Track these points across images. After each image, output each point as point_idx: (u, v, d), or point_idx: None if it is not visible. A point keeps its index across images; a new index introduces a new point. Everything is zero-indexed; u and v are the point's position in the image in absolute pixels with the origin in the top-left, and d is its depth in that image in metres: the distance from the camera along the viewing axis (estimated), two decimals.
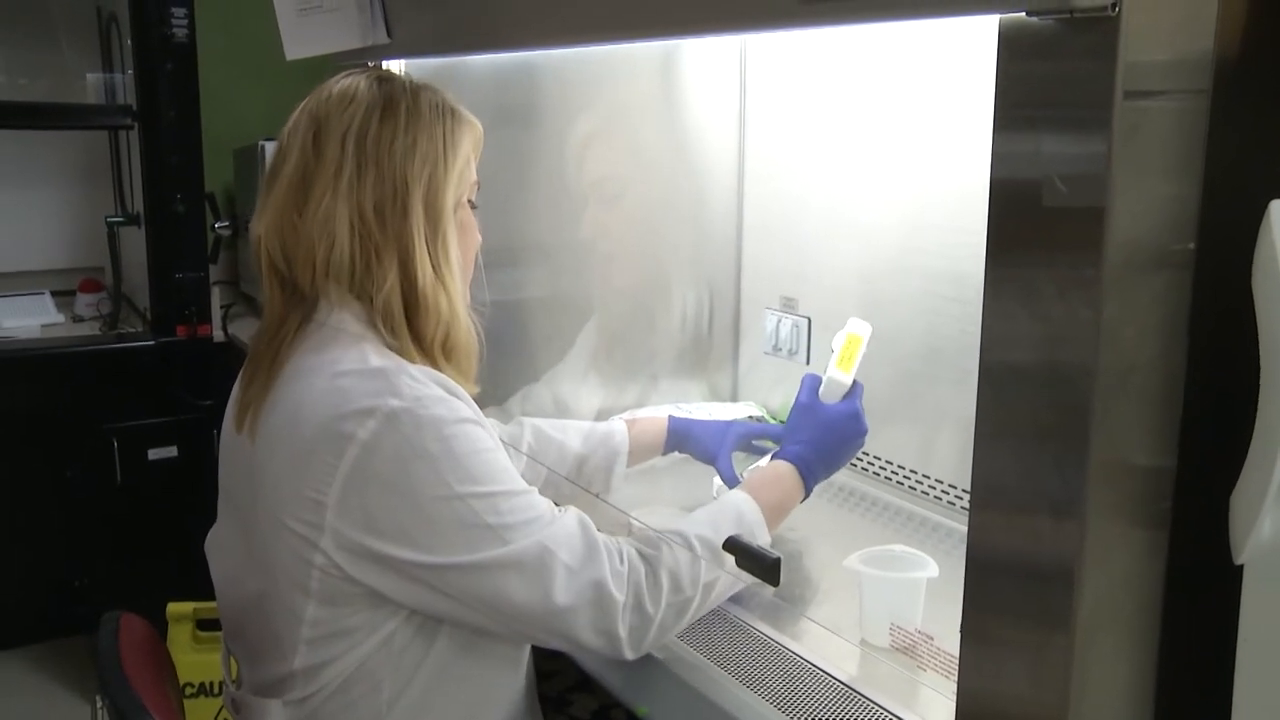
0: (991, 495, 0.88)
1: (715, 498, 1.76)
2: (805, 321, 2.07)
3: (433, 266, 1.23)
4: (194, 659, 2.27)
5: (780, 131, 2.09)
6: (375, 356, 1.20)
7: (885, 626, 1.38)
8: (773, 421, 2.15)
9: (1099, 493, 0.81)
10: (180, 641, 2.30)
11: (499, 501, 1.17)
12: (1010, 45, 0.80)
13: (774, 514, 1.35)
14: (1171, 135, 0.76)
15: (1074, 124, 0.76)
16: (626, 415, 2.06)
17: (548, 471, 1.63)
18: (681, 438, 1.70)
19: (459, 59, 1.97)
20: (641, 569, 1.22)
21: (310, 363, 1.21)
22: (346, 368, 1.19)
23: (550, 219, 2.06)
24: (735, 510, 1.31)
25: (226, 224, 3.38)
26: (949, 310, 1.78)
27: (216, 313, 3.30)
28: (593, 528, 1.23)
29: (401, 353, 1.22)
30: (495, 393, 2.00)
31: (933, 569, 1.36)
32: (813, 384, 1.50)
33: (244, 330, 3.31)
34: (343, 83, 1.28)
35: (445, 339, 1.25)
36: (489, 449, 1.19)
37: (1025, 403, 0.83)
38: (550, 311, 2.10)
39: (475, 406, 1.23)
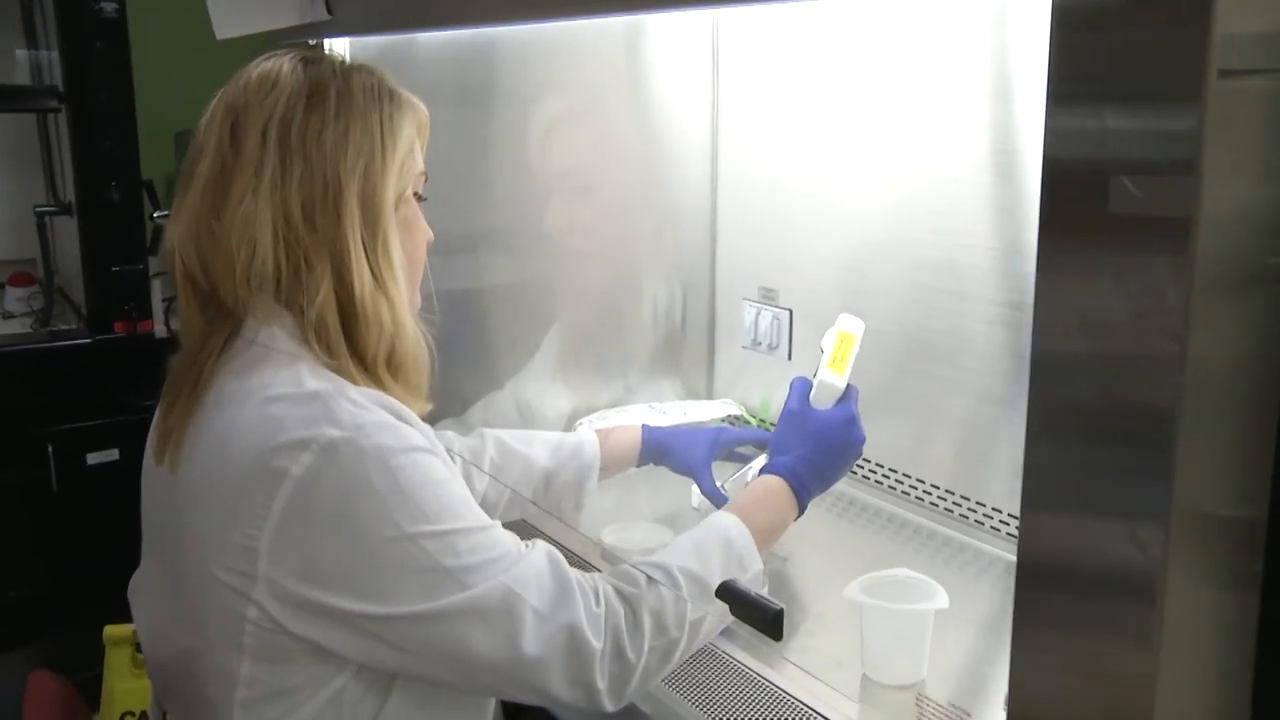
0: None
1: (696, 509, 1.63)
2: (786, 314, 1.93)
3: (372, 272, 1.08)
4: (133, 685, 2.12)
5: (756, 113, 1.95)
6: (311, 378, 1.05)
7: (891, 662, 1.26)
8: (753, 421, 2.01)
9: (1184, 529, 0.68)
10: (118, 668, 2.14)
11: (456, 540, 1.02)
12: (1067, 10, 0.65)
13: (765, 536, 1.22)
14: (1272, 123, 0.63)
15: (1151, 109, 0.62)
16: (595, 419, 1.92)
17: (512, 491, 1.49)
18: (658, 450, 1.56)
19: (409, 37, 1.81)
20: (621, 610, 1.08)
21: (237, 387, 1.07)
22: (278, 392, 1.04)
23: (511, 208, 1.91)
24: (722, 536, 1.18)
25: (166, 213, 3.19)
26: (941, 303, 1.65)
27: (159, 307, 3.12)
28: (564, 565, 1.08)
29: (341, 372, 1.08)
30: (452, 403, 1.86)
31: (941, 599, 1.23)
32: (802, 388, 1.36)
33: None
34: (263, 66, 1.12)
35: (390, 354, 1.11)
36: (443, 480, 1.04)
37: (1080, 454, 0.70)
38: (512, 308, 1.95)
39: (428, 431, 1.08)
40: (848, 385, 1.32)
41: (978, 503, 1.64)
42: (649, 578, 1.11)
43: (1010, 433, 1.56)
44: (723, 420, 2.01)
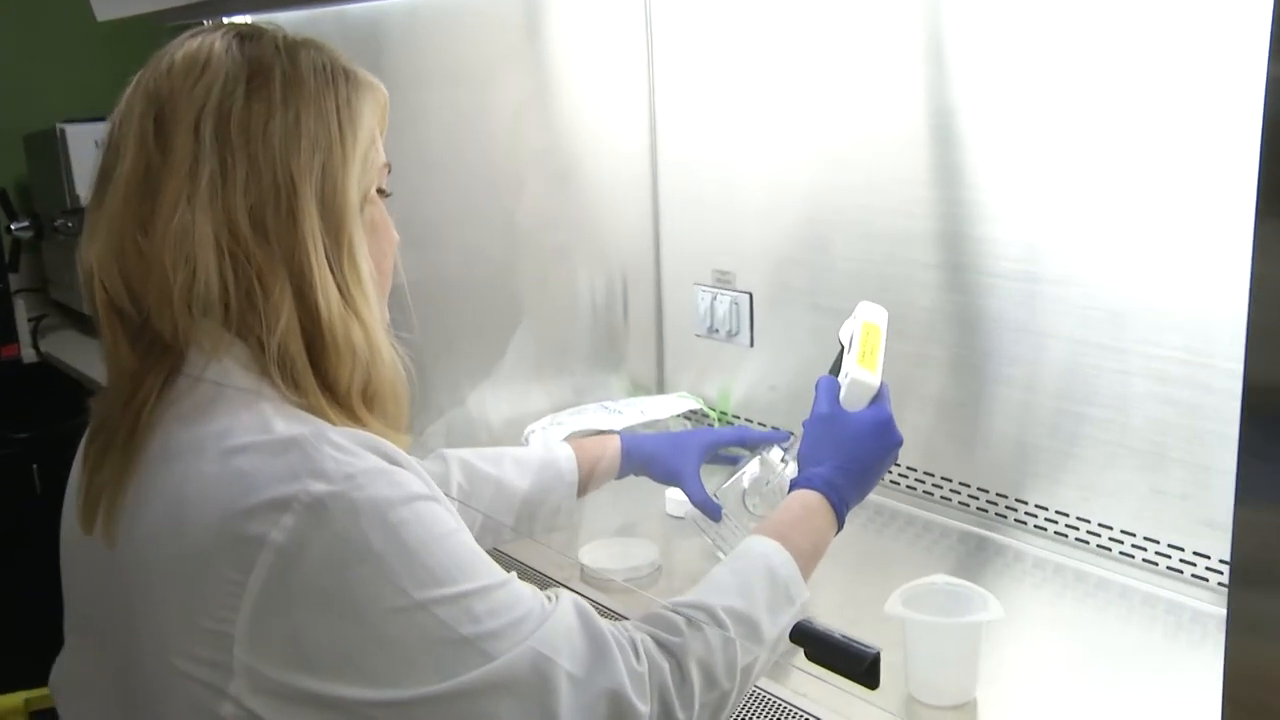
0: None
1: (684, 519, 1.48)
2: (746, 298, 1.79)
3: (339, 289, 0.90)
4: None
5: (695, 86, 1.80)
6: (280, 421, 0.87)
7: (940, 681, 1.13)
8: (712, 415, 1.87)
9: None
10: None
11: (474, 603, 0.85)
12: None
13: (808, 561, 1.08)
14: None
15: None
16: (547, 424, 1.76)
17: (484, 516, 1.32)
18: (640, 459, 1.40)
19: (324, 10, 1.60)
20: (665, 665, 0.93)
21: (188, 436, 0.87)
22: (243, 441, 0.85)
23: (423, 197, 1.72)
24: (764, 566, 1.03)
25: (25, 224, 2.90)
26: (925, 278, 1.53)
27: (24, 328, 2.84)
28: (595, 617, 0.92)
29: (313, 410, 0.89)
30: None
31: (994, 609, 1.11)
32: (831, 389, 1.21)
33: (62, 347, 2.84)
34: (189, 46, 0.92)
35: (366, 384, 0.93)
36: (450, 532, 0.87)
37: None
38: (439, 310, 1.76)
39: (423, 472, 0.91)
40: (881, 382, 1.19)
41: (998, 495, 1.53)
42: (689, 621, 0.96)
43: (1032, 417, 1.45)
44: (682, 416, 1.87)
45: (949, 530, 1.54)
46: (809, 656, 0.85)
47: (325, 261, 0.90)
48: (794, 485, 1.14)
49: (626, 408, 1.82)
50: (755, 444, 1.42)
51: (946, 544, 1.52)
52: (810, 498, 1.12)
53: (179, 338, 0.90)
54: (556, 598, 0.92)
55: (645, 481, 1.42)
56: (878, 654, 0.81)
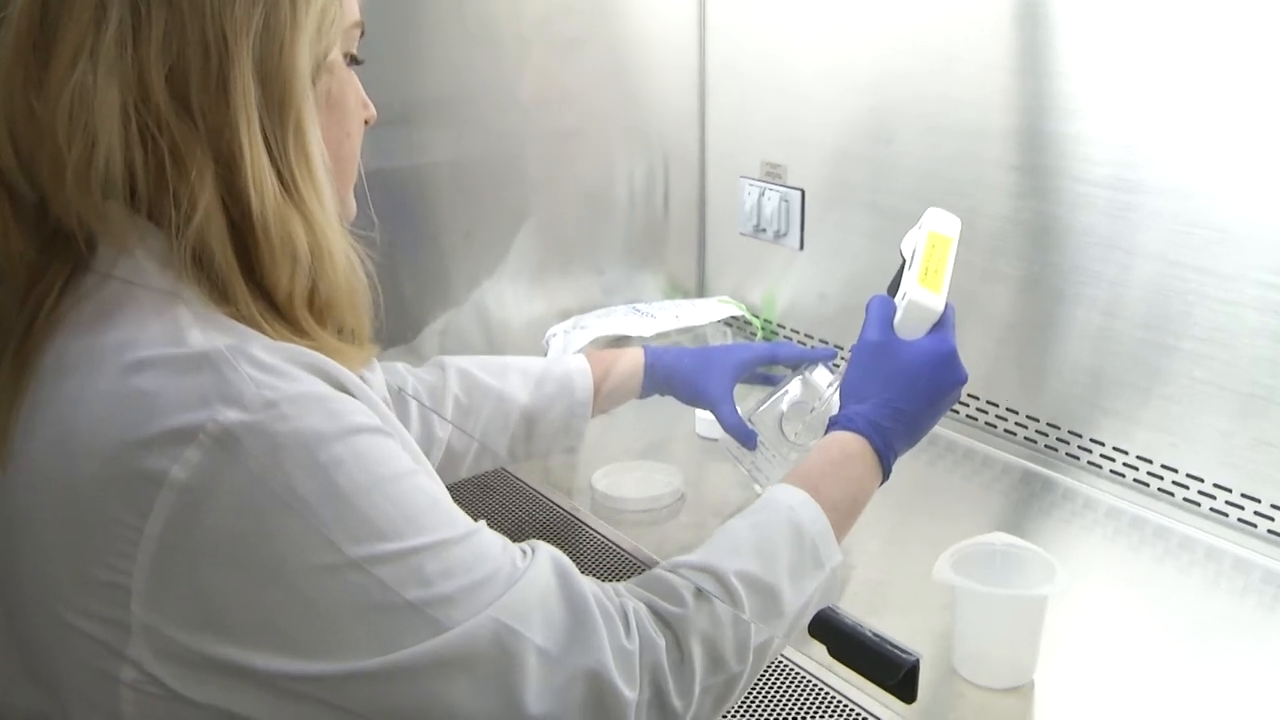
0: None
1: (713, 440, 1.32)
2: (797, 195, 1.60)
3: (279, 176, 0.74)
4: None
5: None
6: (197, 330, 0.71)
7: (993, 660, 0.97)
8: (756, 323, 1.70)
9: None
10: None
11: (424, 561, 0.70)
12: None
13: (844, 517, 0.91)
14: None
15: None
16: (569, 328, 1.60)
17: (479, 440, 1.17)
18: (665, 376, 1.24)
19: None
20: (661, 641, 0.77)
21: (84, 347, 0.72)
22: (147, 354, 0.70)
23: (452, 70, 1.53)
24: (789, 522, 0.86)
25: None
26: (1001, 181, 1.33)
27: None
28: (578, 580, 0.77)
29: (245, 320, 0.74)
30: (395, 324, 1.51)
31: (1061, 580, 0.94)
32: (883, 312, 1.02)
33: None
34: None
35: (314, 290, 0.77)
36: (400, 474, 0.72)
37: None
38: (460, 195, 1.59)
39: (374, 396, 0.75)
40: (946, 305, 1.00)
41: (1069, 433, 1.35)
42: (697, 589, 0.80)
43: (1114, 347, 1.26)
44: (722, 323, 1.70)
45: (1010, 468, 1.37)
46: (832, 654, 0.69)
47: (263, 142, 0.73)
48: (833, 424, 0.97)
49: (660, 311, 1.65)
50: (797, 362, 1.25)
51: (1006, 484, 1.35)
52: (850, 441, 0.95)
53: (81, 225, 0.74)
54: (532, 552, 0.77)
55: (674, 399, 1.26)
56: (916, 662, 0.64)
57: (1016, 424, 1.38)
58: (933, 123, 1.38)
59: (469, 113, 1.55)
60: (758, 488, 1.22)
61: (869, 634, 0.67)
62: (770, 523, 0.86)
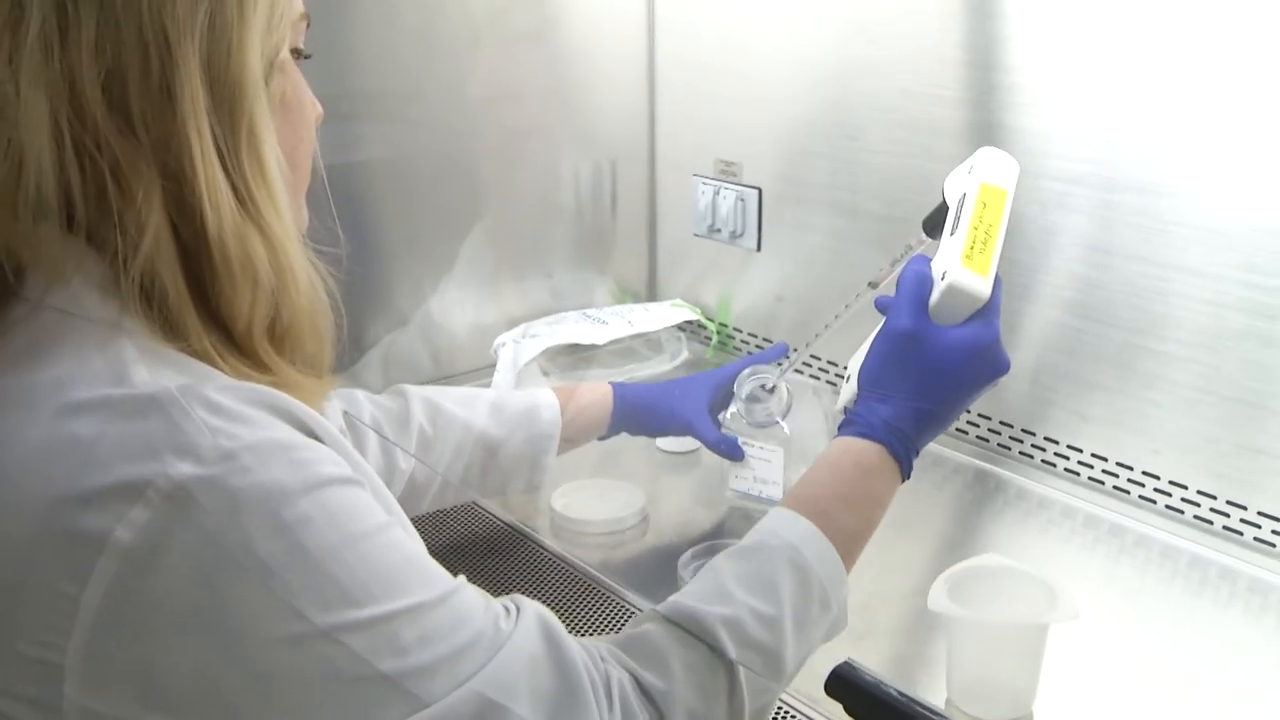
0: None
1: (673, 452, 1.27)
2: (754, 193, 1.54)
3: (235, 191, 0.66)
4: None
5: None
6: (143, 368, 0.63)
7: (989, 691, 0.92)
8: (711, 327, 1.64)
9: None
10: None
11: (400, 628, 0.63)
12: None
13: (855, 545, 0.83)
14: None
15: None
16: (518, 335, 1.52)
17: (443, 475, 1.09)
18: (632, 410, 1.18)
19: None
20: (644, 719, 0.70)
21: (15, 385, 0.64)
22: (86, 394, 0.62)
23: (388, 63, 1.45)
24: (793, 564, 0.77)
25: None
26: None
27: None
28: (566, 643, 0.69)
29: (198, 355, 0.66)
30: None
31: (1066, 606, 0.88)
32: (919, 293, 0.85)
33: None
34: None
35: (274, 318, 0.69)
36: (373, 530, 0.64)
37: None
38: (398, 196, 1.50)
39: (344, 441, 0.68)
40: (996, 280, 0.83)
41: (1045, 438, 1.31)
42: (684, 655, 0.73)
43: (1091, 352, 1.22)
44: (677, 328, 1.64)
45: (984, 475, 1.32)
46: (850, 712, 0.63)
47: (215, 153, 0.65)
48: (849, 424, 0.86)
49: (612, 317, 1.58)
50: (777, 359, 1.19)
51: (980, 491, 1.30)
52: (867, 453, 0.84)
53: (7, 253, 0.66)
54: (517, 612, 0.69)
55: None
56: None
57: (990, 430, 1.34)
58: (899, 118, 1.33)
59: (407, 110, 1.47)
60: (758, 496, 1.19)
61: (894, 693, 0.61)
62: (771, 565, 0.78)
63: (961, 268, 0.82)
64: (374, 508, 0.65)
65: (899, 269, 0.95)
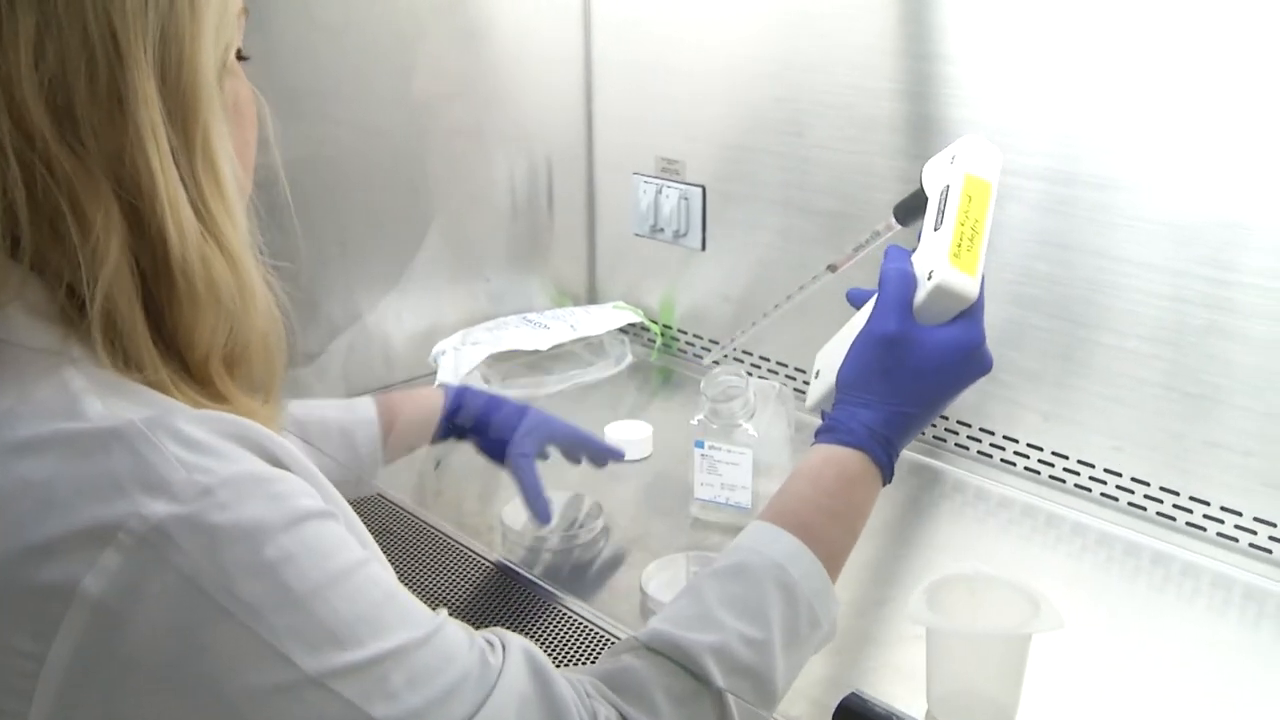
0: None
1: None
2: (698, 191, 1.50)
3: (193, 205, 0.60)
4: None
5: None
6: (96, 399, 0.58)
7: (966, 703, 0.90)
8: (654, 327, 1.60)
9: None
10: None
11: (389, 670, 0.58)
12: None
13: (841, 558, 0.79)
14: None
15: None
16: (458, 341, 1.48)
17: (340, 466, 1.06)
18: (465, 422, 1.14)
19: None
20: None
21: None
22: (37, 430, 0.56)
23: (305, 54, 1.38)
24: (778, 581, 0.73)
25: None
26: (906, 170, 1.26)
27: None
28: (553, 677, 0.65)
29: (152, 385, 0.60)
30: None
31: (1049, 616, 0.86)
32: (904, 293, 0.81)
33: None
34: None
35: (230, 341, 0.64)
36: (354, 565, 0.59)
37: None
38: (325, 203, 1.44)
39: (311, 467, 0.63)
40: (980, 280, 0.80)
41: (1004, 437, 1.30)
42: (670, 688, 0.69)
43: (1053, 348, 1.21)
44: (620, 331, 1.60)
45: (941, 475, 1.31)
46: None
47: (173, 164, 0.60)
48: (828, 430, 0.82)
49: (554, 321, 1.54)
50: (593, 454, 1.18)
51: (938, 491, 1.28)
52: (850, 461, 0.80)
53: None
54: (503, 648, 0.65)
55: (577, 409, 1.16)
56: None
57: (947, 429, 1.32)
58: (848, 113, 1.31)
59: (331, 108, 1.41)
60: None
61: None
62: (758, 586, 0.74)
63: (950, 267, 0.78)
64: (350, 542, 0.60)
65: (862, 254, 0.93)
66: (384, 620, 0.59)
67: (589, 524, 1.16)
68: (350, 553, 0.59)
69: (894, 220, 0.91)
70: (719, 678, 0.69)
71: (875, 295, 0.83)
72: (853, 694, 0.61)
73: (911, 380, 0.81)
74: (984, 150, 0.84)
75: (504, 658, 0.64)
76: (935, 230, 0.82)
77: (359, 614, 0.58)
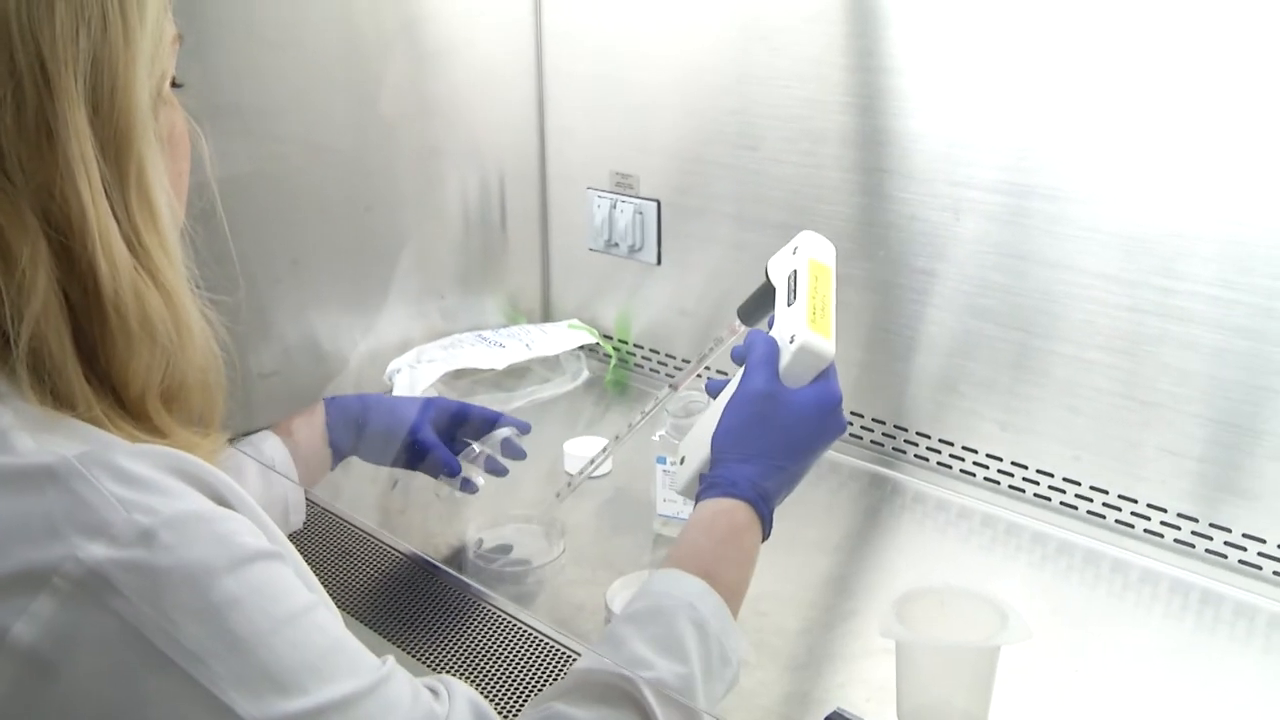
0: None
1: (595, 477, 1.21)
2: (653, 206, 1.49)
3: (126, 240, 0.59)
4: None
5: None
6: (25, 435, 0.56)
7: (939, 715, 0.89)
8: (607, 345, 1.59)
9: None
10: None
11: (332, 719, 0.56)
12: None
13: (737, 600, 0.83)
14: None
15: None
16: (413, 359, 1.46)
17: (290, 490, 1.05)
18: (353, 434, 1.12)
19: None
20: None
21: None
22: None
23: (245, 68, 1.36)
24: (692, 621, 0.76)
25: None
26: (878, 187, 1.26)
27: None
28: None
29: (87, 421, 0.58)
30: None
31: (1017, 627, 0.86)
32: (770, 357, 0.89)
33: None
34: None
35: (166, 378, 0.62)
36: (301, 610, 0.58)
37: None
38: (276, 220, 1.41)
39: (254, 505, 0.61)
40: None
41: (963, 448, 1.30)
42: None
43: (1010, 359, 1.21)
44: (577, 351, 1.58)
45: (901, 487, 1.31)
46: None
47: (106, 199, 0.58)
48: (713, 486, 0.86)
49: (509, 340, 1.53)
50: (489, 424, 1.18)
51: (898, 503, 1.28)
52: (738, 512, 0.84)
53: None
54: (448, 697, 0.64)
55: (536, 425, 1.16)
56: None
57: (906, 441, 1.32)
58: (803, 127, 1.31)
59: (283, 128, 1.38)
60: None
61: None
62: (674, 623, 0.76)
63: (809, 331, 0.88)
64: (297, 586, 0.58)
65: (706, 361, 1.02)
66: (330, 668, 0.57)
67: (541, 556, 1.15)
68: (297, 597, 0.58)
69: (738, 322, 1.00)
70: (658, 713, 0.70)
71: (735, 377, 0.91)
72: (835, 712, 0.61)
73: (782, 435, 0.87)
74: (821, 243, 0.97)
75: (449, 707, 0.63)
76: (789, 306, 0.91)
77: (304, 661, 0.56)
